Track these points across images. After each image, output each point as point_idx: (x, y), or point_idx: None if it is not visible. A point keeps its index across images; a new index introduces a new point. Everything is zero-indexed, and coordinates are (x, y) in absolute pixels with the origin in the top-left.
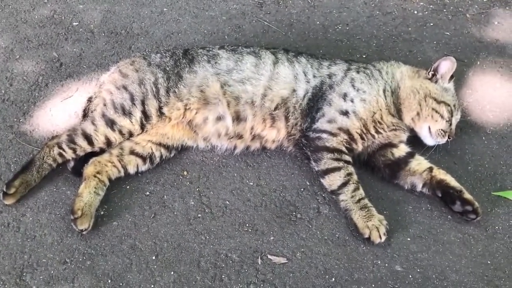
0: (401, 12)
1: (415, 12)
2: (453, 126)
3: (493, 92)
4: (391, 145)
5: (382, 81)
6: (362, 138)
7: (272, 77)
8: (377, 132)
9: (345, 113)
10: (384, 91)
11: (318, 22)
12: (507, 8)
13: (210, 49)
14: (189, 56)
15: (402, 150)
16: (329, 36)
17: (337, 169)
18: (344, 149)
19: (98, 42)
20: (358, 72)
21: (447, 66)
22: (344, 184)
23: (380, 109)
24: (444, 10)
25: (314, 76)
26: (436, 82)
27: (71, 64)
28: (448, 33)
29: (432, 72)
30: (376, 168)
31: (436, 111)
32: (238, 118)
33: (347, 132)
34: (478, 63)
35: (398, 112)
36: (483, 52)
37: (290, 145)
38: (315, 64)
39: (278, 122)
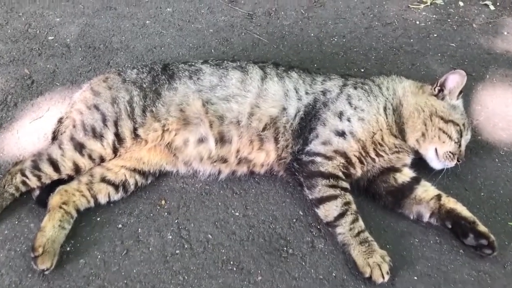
0: (402, 22)
1: (417, 22)
2: (463, 148)
3: (505, 108)
4: (394, 169)
5: (382, 98)
6: (361, 162)
7: (260, 94)
8: (378, 155)
9: (341, 133)
10: (384, 109)
11: (312, 34)
12: None
13: (193, 64)
14: (169, 71)
15: (406, 175)
16: (324, 49)
17: (333, 197)
18: (341, 174)
19: (74, 57)
20: (355, 88)
21: (455, 80)
22: (342, 215)
23: (381, 129)
24: (449, 20)
25: (307, 93)
26: (442, 98)
27: (43, 81)
28: (453, 45)
29: (439, 88)
30: (377, 195)
31: (444, 131)
32: (222, 139)
33: (344, 155)
34: (488, 76)
35: (401, 133)
36: (493, 64)
37: (281, 169)
38: (307, 79)
39: (267, 144)
